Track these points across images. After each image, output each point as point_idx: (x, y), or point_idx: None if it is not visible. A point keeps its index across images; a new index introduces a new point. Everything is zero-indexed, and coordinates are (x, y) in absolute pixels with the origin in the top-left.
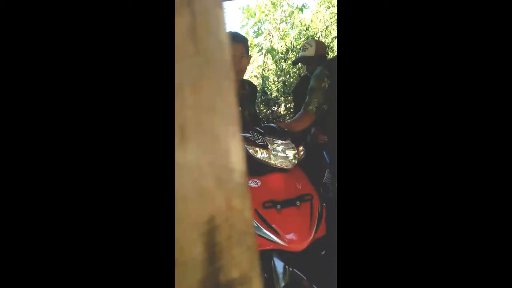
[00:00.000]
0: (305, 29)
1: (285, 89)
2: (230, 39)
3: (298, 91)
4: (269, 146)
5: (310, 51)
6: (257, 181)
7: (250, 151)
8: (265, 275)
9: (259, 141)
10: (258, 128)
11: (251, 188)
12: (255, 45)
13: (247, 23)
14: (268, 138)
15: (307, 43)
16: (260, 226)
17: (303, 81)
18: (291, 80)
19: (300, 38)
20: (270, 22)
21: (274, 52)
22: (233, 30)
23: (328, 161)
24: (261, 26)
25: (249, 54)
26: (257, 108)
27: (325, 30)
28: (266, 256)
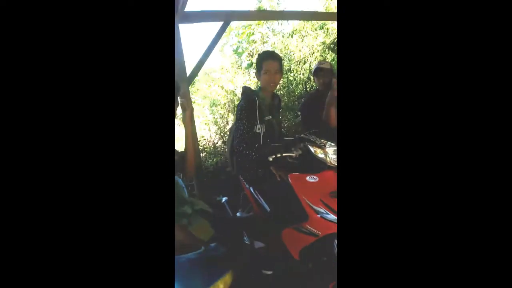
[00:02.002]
0: (291, 54)
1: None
2: (267, 57)
3: (308, 105)
4: (325, 147)
5: (327, 65)
6: (315, 177)
7: (312, 150)
8: (324, 258)
9: (318, 142)
10: (310, 132)
11: (311, 183)
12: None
13: (227, 42)
14: (323, 140)
15: (321, 61)
16: (328, 212)
17: (312, 96)
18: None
19: (285, 61)
20: (247, 42)
21: None
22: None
23: None
24: (240, 45)
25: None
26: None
27: (311, 55)
28: (328, 240)
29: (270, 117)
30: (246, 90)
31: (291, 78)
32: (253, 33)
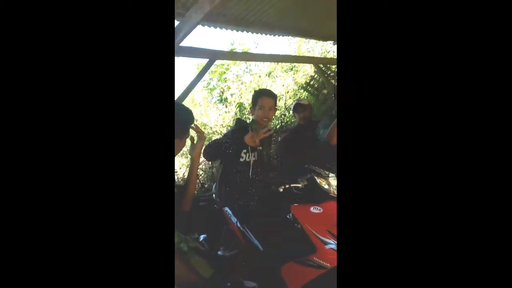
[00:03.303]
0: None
1: None
2: (263, 94)
3: (289, 139)
4: (328, 178)
5: (305, 101)
6: (319, 208)
7: (318, 181)
8: None
9: (323, 173)
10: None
11: (315, 213)
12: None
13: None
14: (326, 172)
15: (299, 98)
16: (336, 243)
17: (293, 131)
18: None
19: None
20: (218, 80)
21: (243, 107)
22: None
23: None
24: (210, 82)
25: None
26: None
27: (286, 94)
28: (335, 272)
29: (261, 148)
30: (240, 120)
31: None
32: (225, 72)
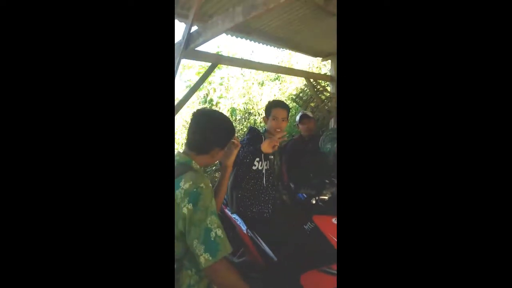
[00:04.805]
0: (252, 98)
1: None
2: (277, 105)
3: (291, 151)
4: None
5: (309, 113)
6: None
7: None
8: None
9: None
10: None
11: (334, 224)
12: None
13: (181, 74)
14: None
15: (304, 110)
16: None
17: (296, 141)
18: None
19: (250, 104)
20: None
21: (235, 112)
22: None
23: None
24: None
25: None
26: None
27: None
28: None
29: (272, 157)
30: (253, 128)
31: (252, 122)
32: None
